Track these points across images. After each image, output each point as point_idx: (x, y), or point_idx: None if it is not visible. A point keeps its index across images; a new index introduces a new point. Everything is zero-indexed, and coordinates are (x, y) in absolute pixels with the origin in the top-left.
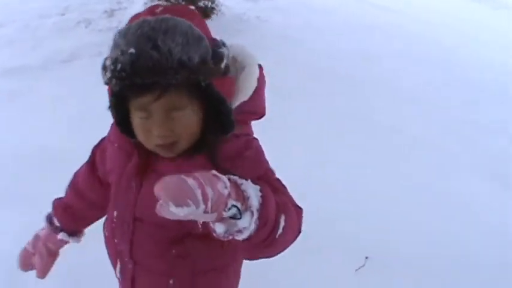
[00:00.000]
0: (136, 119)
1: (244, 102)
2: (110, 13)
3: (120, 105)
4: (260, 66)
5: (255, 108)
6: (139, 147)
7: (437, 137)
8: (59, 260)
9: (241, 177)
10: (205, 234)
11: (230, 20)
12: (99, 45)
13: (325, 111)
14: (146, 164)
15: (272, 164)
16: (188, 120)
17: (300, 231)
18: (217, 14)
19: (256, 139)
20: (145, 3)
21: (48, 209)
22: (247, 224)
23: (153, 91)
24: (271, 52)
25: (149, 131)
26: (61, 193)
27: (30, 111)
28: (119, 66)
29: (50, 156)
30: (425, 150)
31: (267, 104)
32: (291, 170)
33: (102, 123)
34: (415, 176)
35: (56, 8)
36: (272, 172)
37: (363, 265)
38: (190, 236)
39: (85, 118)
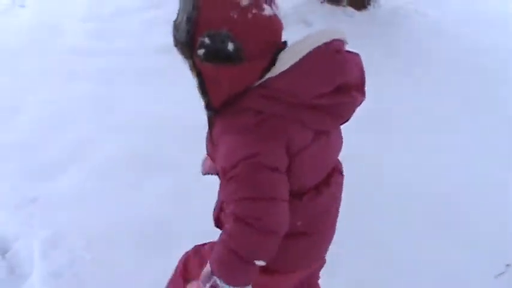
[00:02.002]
0: None
1: (272, 78)
2: None
3: None
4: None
5: (284, 86)
6: None
7: None
8: None
9: None
10: None
11: (386, 12)
12: None
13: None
14: None
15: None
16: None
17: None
18: (373, 6)
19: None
20: None
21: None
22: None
23: None
24: (421, 46)
25: None
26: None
27: (179, 85)
28: None
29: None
30: None
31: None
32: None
33: None
34: None
35: None
36: (237, 168)
37: (503, 272)
38: None
39: None
